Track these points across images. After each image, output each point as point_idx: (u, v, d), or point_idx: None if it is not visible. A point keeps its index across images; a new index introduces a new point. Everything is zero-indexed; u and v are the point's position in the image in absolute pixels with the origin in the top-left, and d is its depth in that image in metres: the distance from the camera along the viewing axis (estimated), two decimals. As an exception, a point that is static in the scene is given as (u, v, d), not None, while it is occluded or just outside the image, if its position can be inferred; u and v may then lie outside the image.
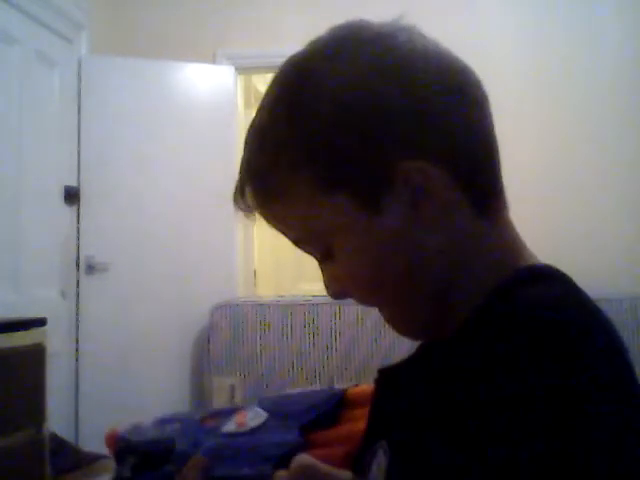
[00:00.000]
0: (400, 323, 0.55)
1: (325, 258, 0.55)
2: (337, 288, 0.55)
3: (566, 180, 3.35)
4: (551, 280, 0.49)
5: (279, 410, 0.84)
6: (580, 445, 0.38)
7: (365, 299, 0.55)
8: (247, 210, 0.59)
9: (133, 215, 3.27)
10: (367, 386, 0.76)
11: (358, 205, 0.50)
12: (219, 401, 2.97)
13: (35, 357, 2.00)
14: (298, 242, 0.55)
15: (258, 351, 2.99)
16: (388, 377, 0.59)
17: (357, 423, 0.79)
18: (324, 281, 0.57)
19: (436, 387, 0.47)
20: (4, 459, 1.81)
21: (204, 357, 3.11)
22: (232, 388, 2.98)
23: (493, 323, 0.45)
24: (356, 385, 0.90)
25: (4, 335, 1.92)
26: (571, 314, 0.44)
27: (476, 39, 3.29)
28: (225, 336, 3.03)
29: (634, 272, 3.21)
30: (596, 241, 3.30)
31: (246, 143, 0.56)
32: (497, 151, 0.55)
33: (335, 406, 0.84)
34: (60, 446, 2.18)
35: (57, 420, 2.47)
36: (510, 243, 0.55)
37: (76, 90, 3.21)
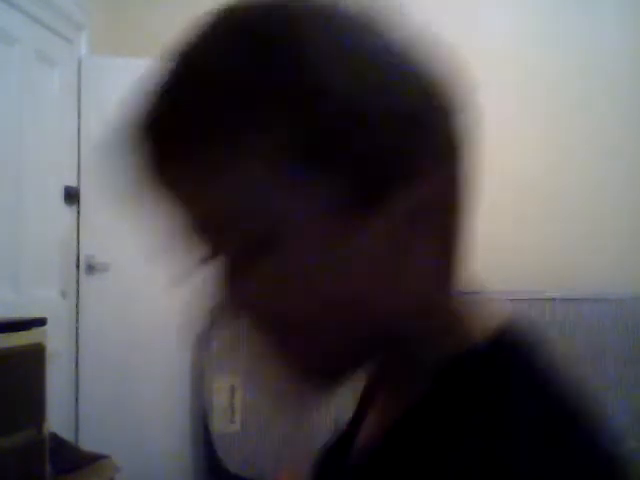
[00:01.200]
0: (313, 362, 0.51)
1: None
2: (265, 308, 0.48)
3: (566, 180, 3.34)
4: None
5: None
6: None
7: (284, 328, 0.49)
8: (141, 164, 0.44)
9: (133, 215, 3.27)
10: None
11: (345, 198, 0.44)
12: (219, 401, 2.97)
13: (35, 357, 2.00)
14: (202, 229, 0.45)
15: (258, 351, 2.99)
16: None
17: None
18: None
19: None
20: (4, 459, 1.81)
21: (204, 357, 3.11)
22: (232, 388, 2.98)
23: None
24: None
25: (4, 335, 1.92)
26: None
27: (475, 39, 3.29)
28: (225, 336, 3.02)
29: (634, 272, 3.21)
30: (596, 241, 3.29)
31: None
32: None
33: None
34: (60, 446, 2.18)
35: (57, 420, 2.47)
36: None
37: (76, 90, 3.21)
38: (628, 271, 3.22)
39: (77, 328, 3.13)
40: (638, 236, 3.30)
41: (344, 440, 0.54)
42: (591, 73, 3.38)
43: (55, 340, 2.48)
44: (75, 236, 3.16)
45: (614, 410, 2.30)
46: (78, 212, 3.18)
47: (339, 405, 0.58)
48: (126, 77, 3.49)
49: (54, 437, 2.13)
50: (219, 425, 2.97)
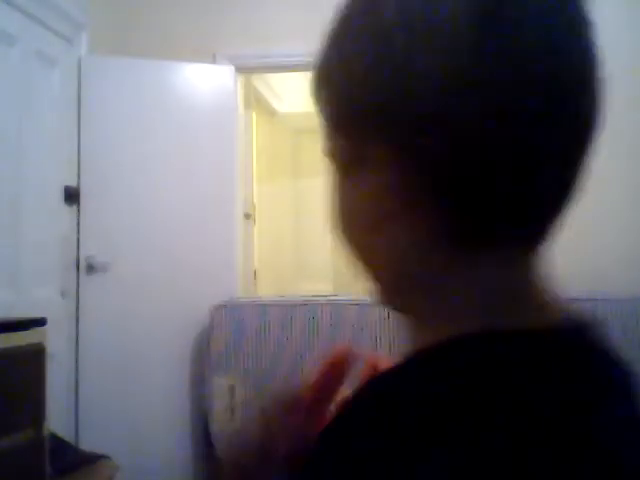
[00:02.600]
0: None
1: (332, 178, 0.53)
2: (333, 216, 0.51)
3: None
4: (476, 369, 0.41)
5: None
6: None
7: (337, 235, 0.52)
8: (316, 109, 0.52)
9: (133, 215, 3.28)
10: None
11: (344, 158, 0.48)
12: (219, 401, 2.97)
13: (35, 357, 2.00)
14: (324, 152, 0.52)
15: (258, 351, 2.99)
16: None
17: None
18: None
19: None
20: (4, 459, 1.81)
21: (204, 357, 3.11)
22: (232, 388, 2.98)
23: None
24: None
25: (4, 335, 1.92)
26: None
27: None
28: (225, 336, 3.03)
29: (634, 272, 3.21)
30: (597, 241, 3.30)
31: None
32: (536, 194, 0.44)
33: None
34: (60, 446, 2.18)
35: (57, 420, 2.47)
36: (492, 293, 0.45)
37: (76, 90, 3.21)
38: (628, 271, 3.22)
39: (77, 328, 3.13)
40: (638, 236, 3.30)
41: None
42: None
43: (55, 340, 2.48)
44: (75, 236, 3.17)
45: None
46: (78, 212, 3.18)
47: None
48: (126, 77, 3.53)
49: (54, 437, 2.13)
50: (219, 425, 2.97)
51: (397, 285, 0.49)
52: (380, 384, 0.45)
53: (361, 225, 0.48)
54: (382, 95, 0.43)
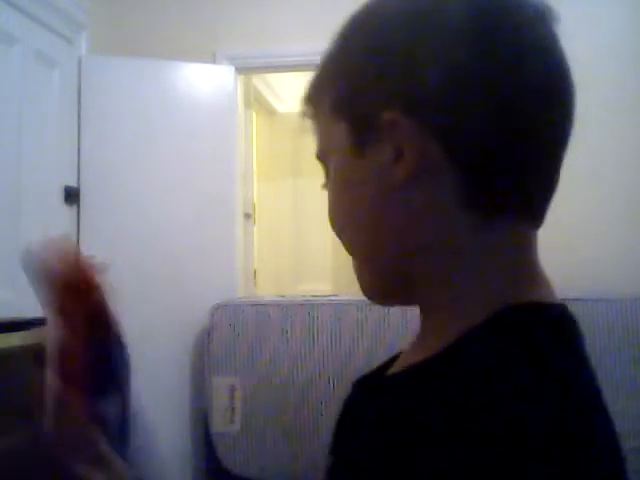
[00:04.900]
0: (357, 275, 0.54)
1: (325, 182, 0.55)
2: (329, 217, 0.54)
3: (566, 181, 3.34)
4: (530, 335, 0.44)
5: None
6: None
7: (337, 234, 0.53)
8: (307, 116, 0.56)
9: (133, 215, 3.27)
10: None
11: (351, 140, 0.50)
12: (219, 401, 2.97)
13: (35, 357, 2.00)
14: (317, 156, 0.55)
15: (258, 351, 2.99)
16: (358, 392, 0.57)
17: None
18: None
19: (376, 431, 0.45)
20: (3, 459, 1.81)
21: (204, 357, 3.11)
22: (232, 388, 2.98)
23: (443, 380, 0.43)
24: None
25: (4, 335, 1.92)
26: (512, 396, 0.40)
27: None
28: (225, 336, 3.02)
29: (634, 272, 3.21)
30: (597, 241, 3.30)
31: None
32: (541, 162, 0.48)
33: None
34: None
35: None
36: (510, 264, 0.48)
37: (76, 90, 3.21)
38: (628, 271, 3.22)
39: (77, 328, 3.13)
40: (638, 236, 3.30)
41: (375, 374, 0.57)
42: (590, 78, 3.38)
43: (55, 340, 2.47)
44: (75, 236, 3.16)
45: (614, 410, 2.30)
46: (78, 212, 3.18)
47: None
48: (126, 77, 3.53)
49: (54, 437, 2.13)
50: (219, 425, 2.97)
51: (401, 264, 0.50)
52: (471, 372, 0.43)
53: (369, 201, 0.49)
54: (411, 62, 0.46)
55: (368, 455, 0.43)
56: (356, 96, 0.49)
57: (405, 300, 0.53)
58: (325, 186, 0.54)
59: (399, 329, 2.78)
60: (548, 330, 0.46)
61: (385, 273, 0.52)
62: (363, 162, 0.49)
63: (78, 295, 0.56)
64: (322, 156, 0.54)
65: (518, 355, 0.43)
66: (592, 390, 0.46)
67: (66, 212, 3.13)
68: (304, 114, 0.56)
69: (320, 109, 0.53)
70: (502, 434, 0.38)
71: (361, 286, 0.54)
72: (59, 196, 3.08)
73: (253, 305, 3.10)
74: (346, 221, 0.52)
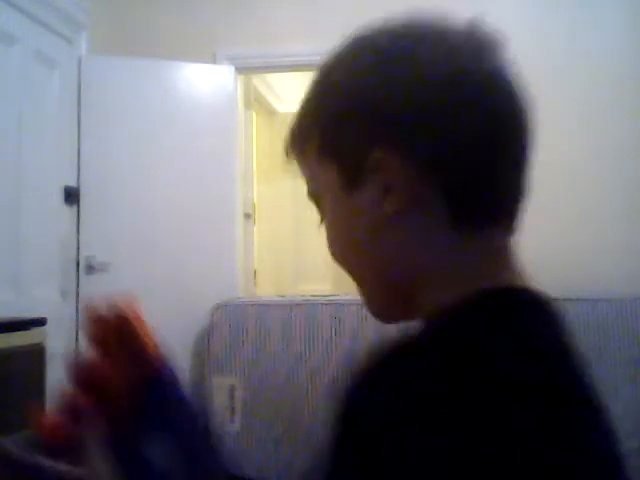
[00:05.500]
0: (363, 299, 0.59)
1: (321, 218, 0.59)
2: (330, 250, 0.58)
3: (567, 183, 3.34)
4: (498, 312, 0.50)
5: None
6: None
7: (341, 265, 0.58)
8: (291, 158, 0.61)
9: (133, 215, 3.27)
10: None
11: (342, 180, 0.54)
12: (219, 401, 2.97)
13: (35, 357, 2.00)
14: (310, 196, 0.60)
15: (258, 351, 2.99)
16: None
17: None
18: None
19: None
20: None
21: (204, 357, 3.11)
22: (232, 388, 2.98)
23: (412, 356, 0.48)
24: None
25: (4, 335, 1.92)
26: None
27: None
28: (225, 336, 3.02)
29: (634, 272, 3.21)
30: (596, 241, 3.30)
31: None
32: (510, 178, 0.54)
33: None
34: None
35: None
36: (488, 264, 0.53)
37: (76, 90, 3.21)
38: (628, 271, 3.22)
39: (77, 328, 3.13)
40: (638, 236, 3.30)
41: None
42: (592, 78, 3.38)
43: (55, 340, 2.48)
44: (75, 236, 3.16)
45: (614, 410, 2.30)
46: (78, 212, 3.18)
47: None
48: (126, 77, 3.53)
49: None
50: (219, 425, 2.97)
51: (399, 285, 0.55)
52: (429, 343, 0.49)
53: (363, 233, 0.54)
54: (389, 103, 0.52)
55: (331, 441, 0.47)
56: (341, 139, 0.54)
57: (407, 315, 0.57)
58: (321, 222, 0.59)
59: (399, 329, 2.78)
60: (516, 302, 0.51)
61: (386, 294, 0.57)
62: (355, 199, 0.54)
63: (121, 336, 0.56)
64: (314, 195, 0.59)
65: (483, 319, 0.49)
66: (559, 348, 0.51)
67: (66, 212, 3.13)
68: (288, 154, 0.60)
69: (307, 152, 0.57)
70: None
71: (368, 309, 0.59)
72: (59, 196, 3.08)
73: (253, 305, 3.10)
74: (346, 252, 0.57)
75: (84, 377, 0.52)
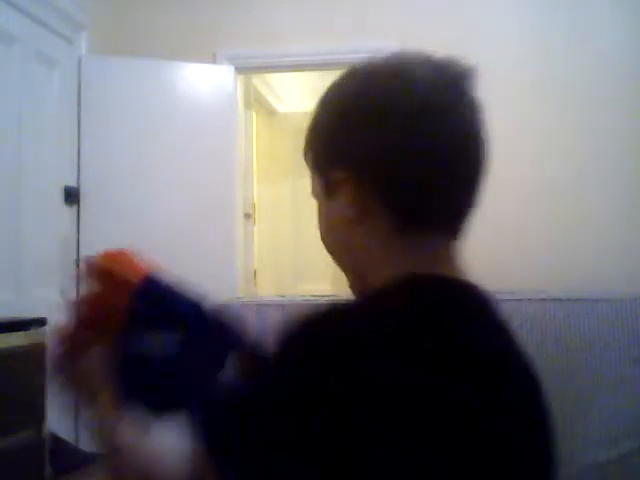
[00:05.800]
0: (348, 280, 0.74)
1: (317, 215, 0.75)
2: (322, 241, 0.74)
3: (567, 181, 3.35)
4: (412, 288, 0.64)
5: None
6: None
7: (330, 254, 0.74)
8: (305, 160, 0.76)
9: (133, 215, 3.27)
10: None
11: (323, 188, 0.71)
12: (219, 401, 2.97)
13: (35, 357, 2.00)
14: (312, 195, 0.74)
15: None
16: None
17: None
18: None
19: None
20: (4, 459, 1.81)
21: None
22: (232, 388, 2.98)
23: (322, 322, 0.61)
24: None
25: (4, 335, 1.92)
26: (359, 330, 0.58)
27: (475, 41, 3.30)
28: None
29: (634, 272, 3.21)
30: (596, 242, 3.30)
31: None
32: (453, 197, 0.67)
33: None
34: (60, 446, 2.18)
35: (57, 420, 2.47)
36: (424, 259, 0.67)
37: (76, 90, 3.21)
38: (628, 271, 3.22)
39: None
40: (638, 236, 3.30)
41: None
42: (591, 81, 3.38)
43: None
44: (75, 236, 3.16)
45: (614, 410, 2.30)
46: (78, 212, 3.18)
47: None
48: (126, 77, 3.53)
49: (54, 437, 2.13)
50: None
51: (363, 268, 0.70)
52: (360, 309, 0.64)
53: (340, 229, 0.70)
54: (348, 141, 0.68)
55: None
56: (321, 157, 0.72)
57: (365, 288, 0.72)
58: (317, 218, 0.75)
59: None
60: (436, 284, 0.66)
61: (356, 275, 0.73)
62: (332, 205, 0.70)
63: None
64: (314, 196, 0.74)
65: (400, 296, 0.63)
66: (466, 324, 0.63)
67: (66, 212, 3.13)
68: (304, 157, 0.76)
69: (308, 161, 0.74)
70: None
71: (349, 285, 0.75)
72: (59, 196, 3.08)
73: (253, 305, 3.09)
74: (331, 243, 0.73)
75: (81, 313, 0.72)
